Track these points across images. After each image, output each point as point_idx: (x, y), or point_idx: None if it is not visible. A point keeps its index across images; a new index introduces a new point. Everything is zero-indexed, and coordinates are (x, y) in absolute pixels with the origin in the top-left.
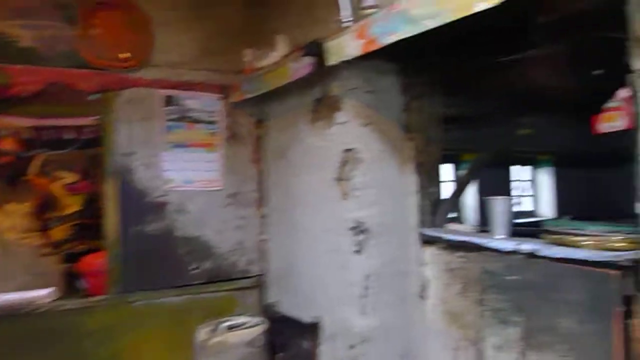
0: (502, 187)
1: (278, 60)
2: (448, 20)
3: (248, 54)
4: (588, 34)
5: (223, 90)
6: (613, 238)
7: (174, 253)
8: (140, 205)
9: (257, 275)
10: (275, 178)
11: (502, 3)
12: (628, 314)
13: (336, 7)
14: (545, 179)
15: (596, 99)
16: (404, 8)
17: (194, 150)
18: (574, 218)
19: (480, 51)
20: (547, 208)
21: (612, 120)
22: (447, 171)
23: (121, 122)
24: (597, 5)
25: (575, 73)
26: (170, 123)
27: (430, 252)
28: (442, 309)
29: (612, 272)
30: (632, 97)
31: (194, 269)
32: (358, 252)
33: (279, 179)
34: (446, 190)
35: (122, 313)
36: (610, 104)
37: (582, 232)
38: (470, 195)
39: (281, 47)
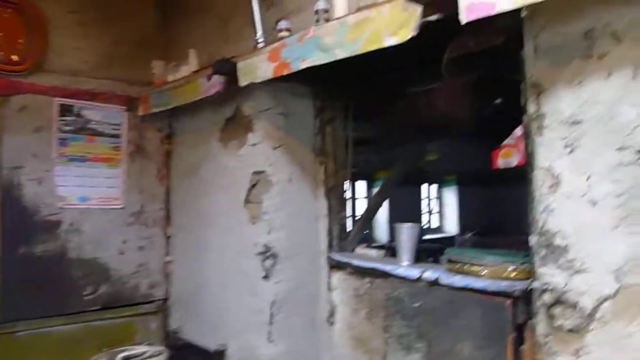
0: (413, 205)
1: (189, 75)
2: (358, 52)
3: (157, 66)
4: (490, 71)
5: (129, 102)
6: (509, 268)
7: (66, 277)
8: (28, 225)
9: (160, 300)
10: (183, 197)
11: (411, 39)
12: (520, 340)
13: (251, 26)
14: (451, 197)
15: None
16: (316, 35)
17: (93, 165)
18: (476, 233)
19: (392, 79)
20: (452, 224)
21: (508, 157)
22: (360, 189)
23: (8, 131)
24: (498, 47)
25: (478, 105)
26: (67, 135)
27: (338, 277)
28: (349, 334)
29: (507, 301)
30: (525, 137)
31: (88, 294)
32: (266, 277)
33: (188, 198)
34: (359, 209)
35: (2, 346)
36: (508, 141)
37: (481, 262)
38: (383, 213)
39: (193, 62)
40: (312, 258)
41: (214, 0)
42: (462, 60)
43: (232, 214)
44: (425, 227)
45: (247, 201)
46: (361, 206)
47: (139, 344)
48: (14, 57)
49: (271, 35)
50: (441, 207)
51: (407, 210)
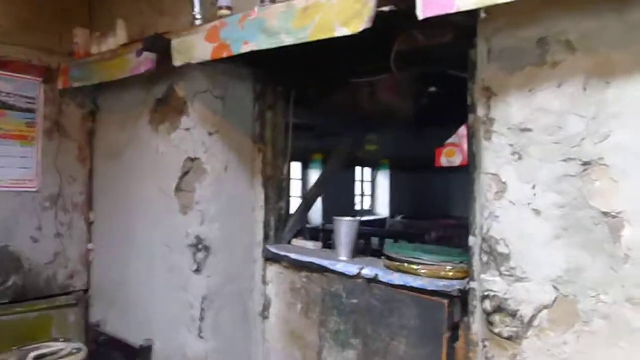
0: (347, 187)
1: (116, 48)
2: (307, 40)
3: (80, 35)
4: (437, 67)
5: (46, 73)
6: (447, 267)
7: None
8: None
9: (80, 291)
10: (108, 181)
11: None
12: (455, 339)
13: (188, 3)
14: (383, 181)
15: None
16: (260, 17)
17: (2, 142)
18: (406, 216)
19: (336, 68)
20: (383, 207)
21: (451, 156)
22: (295, 170)
23: None
24: (447, 44)
25: (417, 96)
26: None
27: (274, 270)
28: (284, 329)
29: (444, 300)
30: (469, 138)
31: None
32: (198, 270)
33: (113, 183)
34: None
35: None
36: (452, 140)
37: (420, 261)
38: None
39: (121, 34)
40: (247, 250)
41: None
42: (411, 54)
43: (161, 203)
44: (357, 209)
45: (178, 189)
46: (296, 187)
47: (56, 340)
48: None
49: (210, 12)
50: (374, 190)
51: (341, 192)
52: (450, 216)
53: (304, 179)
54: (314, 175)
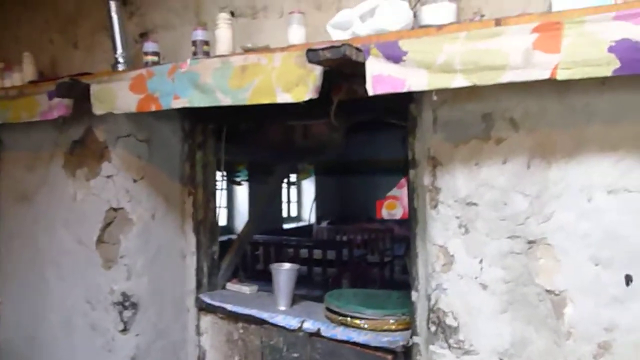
0: (273, 195)
1: (23, 85)
2: (246, 102)
3: None
4: (376, 117)
5: None
6: (390, 321)
7: None
8: None
9: None
10: (15, 226)
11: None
12: None
13: (106, 31)
14: (309, 186)
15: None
16: (193, 71)
17: None
18: (331, 222)
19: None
20: (310, 213)
21: (392, 209)
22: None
23: None
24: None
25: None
26: None
27: (208, 320)
28: None
29: (387, 355)
30: (410, 193)
31: None
32: (124, 330)
33: (21, 229)
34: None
35: None
36: (392, 192)
37: (362, 315)
38: (243, 202)
39: (28, 69)
40: (179, 301)
41: None
42: (350, 105)
43: (80, 255)
44: (284, 216)
45: (99, 241)
46: (222, 199)
47: None
48: None
49: (134, 49)
50: (300, 196)
51: (266, 200)
52: (373, 219)
53: (229, 190)
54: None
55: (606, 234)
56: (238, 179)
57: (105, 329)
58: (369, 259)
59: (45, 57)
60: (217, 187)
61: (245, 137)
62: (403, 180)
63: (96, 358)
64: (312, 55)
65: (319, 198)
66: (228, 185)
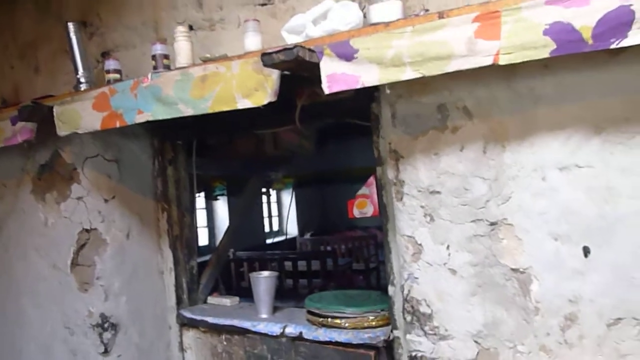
0: (254, 210)
1: None
2: (207, 111)
3: None
4: (340, 118)
5: None
6: (369, 317)
7: None
8: None
9: None
10: None
11: None
12: None
13: (67, 54)
14: (289, 200)
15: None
16: (154, 84)
17: None
18: (313, 234)
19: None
20: (292, 226)
21: (362, 207)
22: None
23: None
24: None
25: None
26: None
27: (191, 335)
28: None
29: (370, 352)
30: (379, 190)
31: None
32: (105, 352)
33: None
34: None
35: None
36: (362, 191)
37: (343, 315)
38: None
39: None
40: (160, 319)
41: (13, 20)
42: (314, 108)
43: (54, 280)
44: (267, 231)
45: (74, 264)
46: (201, 218)
47: None
48: None
49: (96, 70)
50: (280, 210)
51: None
52: (355, 227)
53: (209, 209)
54: (219, 203)
55: (562, 209)
56: (215, 194)
57: (86, 353)
58: (354, 266)
59: (7, 83)
60: (194, 204)
61: (215, 150)
62: (371, 179)
63: None
64: (266, 58)
65: (299, 210)
66: (208, 205)
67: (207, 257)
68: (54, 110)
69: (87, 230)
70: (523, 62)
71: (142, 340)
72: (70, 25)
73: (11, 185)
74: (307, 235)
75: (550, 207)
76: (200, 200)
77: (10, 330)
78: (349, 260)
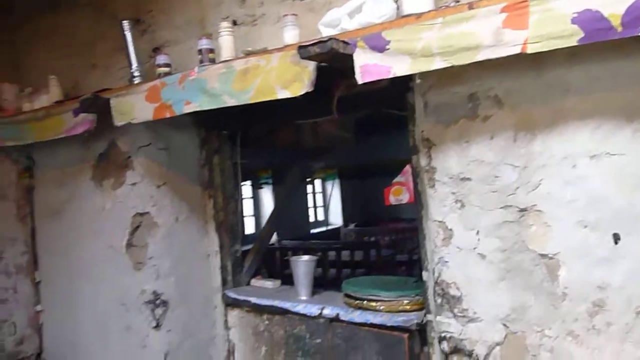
0: (299, 201)
1: (50, 106)
2: (249, 102)
3: (8, 90)
4: (377, 108)
5: None
6: (404, 302)
7: None
8: None
9: (32, 355)
10: (51, 240)
11: None
12: None
13: (121, 51)
14: (334, 190)
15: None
16: (201, 78)
17: None
18: (357, 225)
19: (279, 111)
20: (336, 216)
21: (398, 195)
22: (246, 190)
23: None
24: (386, 89)
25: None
26: None
27: (235, 314)
28: None
29: (404, 334)
30: (414, 178)
31: None
32: (157, 327)
33: (56, 242)
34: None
35: None
36: (398, 179)
37: (378, 298)
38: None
39: (54, 91)
40: (206, 298)
41: (74, 21)
42: (351, 98)
43: (111, 260)
44: (312, 221)
45: (129, 246)
46: (248, 206)
47: None
48: None
49: (147, 64)
50: (325, 201)
51: (293, 206)
52: (399, 219)
53: (255, 198)
54: (265, 193)
55: (591, 197)
56: (260, 183)
57: (139, 327)
58: (398, 258)
59: (69, 79)
60: (239, 191)
61: (258, 140)
62: (407, 167)
63: (132, 356)
64: (302, 51)
65: (344, 201)
66: (254, 194)
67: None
68: (111, 102)
69: (140, 214)
70: (552, 52)
71: (190, 318)
72: (125, 24)
73: (72, 173)
74: (351, 226)
75: (580, 194)
76: (246, 189)
77: (71, 307)
78: (392, 252)
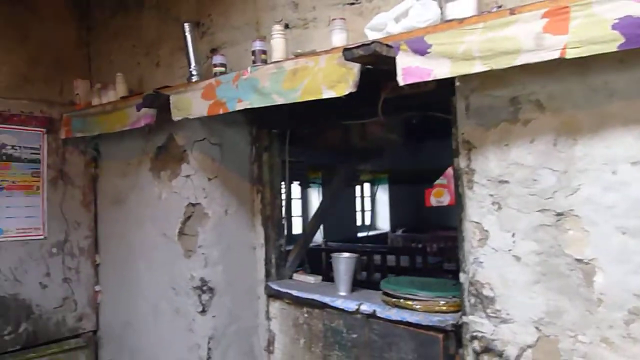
0: (347, 203)
1: (116, 101)
2: (296, 100)
3: (81, 86)
4: (422, 111)
5: (48, 123)
6: (440, 302)
7: None
8: None
9: (89, 332)
10: (111, 225)
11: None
12: None
13: (182, 51)
14: (383, 195)
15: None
16: (253, 77)
17: (9, 193)
18: (405, 230)
19: (327, 112)
20: (384, 221)
21: (439, 196)
22: (295, 190)
23: None
24: (432, 93)
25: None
26: None
27: (277, 306)
28: None
29: (439, 335)
30: (455, 180)
31: (6, 335)
32: (203, 312)
33: (116, 228)
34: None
35: None
36: (440, 181)
37: (415, 297)
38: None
39: (120, 87)
40: (250, 288)
41: (141, 23)
42: (397, 100)
43: (165, 247)
44: (359, 225)
45: (181, 234)
46: (296, 206)
47: None
48: None
49: (205, 64)
50: (374, 205)
51: (341, 209)
52: (449, 227)
53: (304, 199)
54: (313, 194)
55: (632, 204)
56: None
57: (187, 311)
58: (445, 266)
59: (134, 76)
60: (289, 190)
61: (307, 140)
62: (449, 169)
63: (180, 338)
64: (347, 53)
65: (393, 206)
66: (303, 194)
67: None
68: (170, 98)
69: (192, 205)
70: (598, 57)
71: (234, 306)
72: (186, 26)
73: (134, 164)
74: (399, 232)
75: (620, 200)
76: (295, 189)
77: (128, 288)
78: (439, 260)
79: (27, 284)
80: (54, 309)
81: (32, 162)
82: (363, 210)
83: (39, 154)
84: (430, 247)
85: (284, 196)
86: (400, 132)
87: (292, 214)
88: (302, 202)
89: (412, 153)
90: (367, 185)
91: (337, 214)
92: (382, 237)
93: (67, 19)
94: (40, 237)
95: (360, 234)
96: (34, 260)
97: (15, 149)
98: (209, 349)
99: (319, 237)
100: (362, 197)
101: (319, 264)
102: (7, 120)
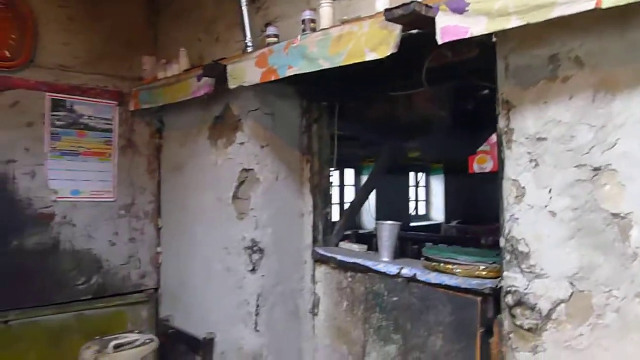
0: (401, 192)
1: (179, 74)
2: (341, 64)
3: (148, 62)
4: (466, 80)
5: (120, 97)
6: (480, 267)
7: (58, 268)
8: (22, 218)
9: (151, 289)
10: (172, 191)
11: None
12: (489, 334)
13: (239, 26)
14: (438, 186)
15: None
16: (302, 44)
17: (85, 159)
18: (461, 222)
19: (375, 84)
20: (438, 212)
21: (483, 163)
22: (349, 177)
23: (1, 126)
24: (474, 59)
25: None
26: (59, 130)
27: (322, 270)
28: (331, 325)
29: (477, 298)
30: (498, 146)
31: (81, 284)
32: (253, 271)
33: (176, 193)
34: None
35: None
36: (483, 147)
37: (456, 261)
38: (371, 200)
39: (183, 61)
40: (298, 252)
41: (200, 2)
42: (441, 70)
43: (219, 210)
44: (412, 214)
45: (235, 198)
46: (350, 194)
47: (130, 332)
48: (7, 54)
49: (260, 37)
50: (428, 195)
51: (395, 197)
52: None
53: (357, 185)
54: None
55: None
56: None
57: (238, 270)
58: None
59: (195, 52)
60: (342, 173)
61: (354, 113)
62: (493, 136)
63: (230, 295)
64: (388, 14)
65: (448, 197)
66: (357, 181)
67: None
68: (227, 68)
69: (246, 170)
70: (637, 11)
71: (282, 268)
72: (243, 2)
73: (193, 133)
74: (453, 223)
75: None
76: (350, 177)
77: (185, 250)
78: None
79: (99, 240)
80: (121, 265)
81: (105, 131)
82: (417, 200)
83: (111, 124)
84: (485, 240)
85: (337, 176)
86: (449, 108)
87: (345, 201)
88: (356, 189)
89: (469, 143)
90: (422, 176)
91: (390, 203)
92: (436, 228)
93: (138, 1)
94: (110, 200)
95: (413, 224)
96: (104, 220)
97: (91, 119)
98: (258, 305)
99: (371, 223)
100: (417, 186)
101: (369, 245)
102: (84, 93)
